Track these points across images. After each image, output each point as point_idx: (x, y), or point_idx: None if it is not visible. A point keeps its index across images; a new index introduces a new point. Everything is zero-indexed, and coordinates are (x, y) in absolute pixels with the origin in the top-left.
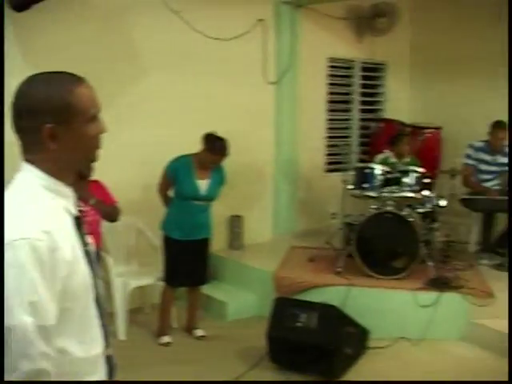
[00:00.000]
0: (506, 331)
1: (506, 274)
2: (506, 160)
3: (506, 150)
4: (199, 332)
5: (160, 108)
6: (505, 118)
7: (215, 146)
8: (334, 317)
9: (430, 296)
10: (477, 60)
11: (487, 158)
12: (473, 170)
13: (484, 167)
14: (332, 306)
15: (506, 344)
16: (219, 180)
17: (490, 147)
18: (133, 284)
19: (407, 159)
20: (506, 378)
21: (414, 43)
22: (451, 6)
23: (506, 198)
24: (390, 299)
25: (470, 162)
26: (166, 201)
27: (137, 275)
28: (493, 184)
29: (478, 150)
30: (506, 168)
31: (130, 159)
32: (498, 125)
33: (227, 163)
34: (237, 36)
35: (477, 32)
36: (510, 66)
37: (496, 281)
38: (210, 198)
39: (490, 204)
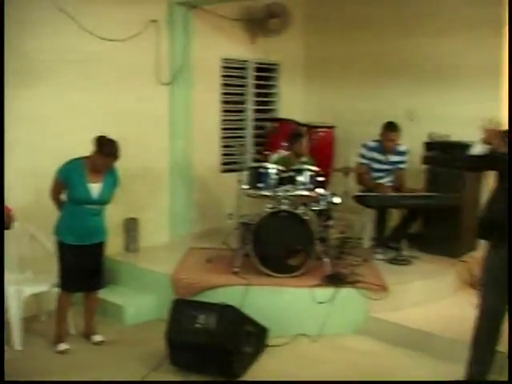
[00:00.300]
0: (401, 323)
1: (398, 268)
2: (398, 158)
3: (400, 148)
4: (98, 337)
5: (51, 112)
6: (395, 116)
7: (106, 148)
8: (232, 317)
9: (326, 292)
10: (368, 60)
11: (380, 157)
12: (366, 169)
13: (377, 166)
14: (230, 306)
15: (401, 334)
16: (112, 183)
17: (382, 147)
18: (27, 291)
19: (304, 159)
20: (402, 368)
21: (308, 43)
22: (344, 6)
23: (398, 194)
24: (288, 297)
25: (364, 161)
26: (59, 205)
27: (31, 282)
28: (385, 181)
29: (370, 149)
30: (399, 165)
31: (20, 164)
32: (388, 126)
33: (122, 166)
34: (129, 37)
35: (369, 32)
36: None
37: (390, 274)
38: (102, 201)
39: (382, 200)
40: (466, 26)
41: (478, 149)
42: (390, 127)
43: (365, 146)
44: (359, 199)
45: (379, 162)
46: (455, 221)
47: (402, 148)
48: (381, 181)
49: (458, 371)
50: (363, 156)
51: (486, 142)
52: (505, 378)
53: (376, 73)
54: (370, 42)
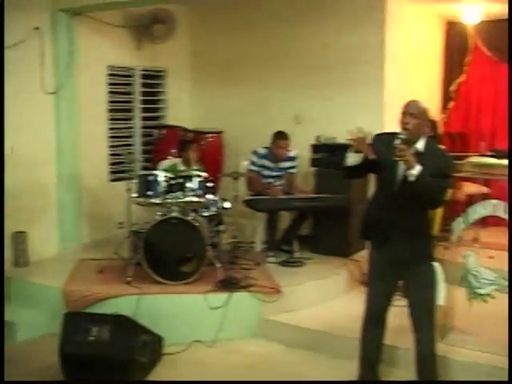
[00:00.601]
0: (296, 324)
1: (291, 270)
2: (288, 164)
3: (290, 154)
4: None
5: None
6: (283, 120)
7: None
8: (126, 327)
9: (220, 297)
10: (255, 64)
11: (270, 164)
12: (256, 175)
13: (267, 173)
14: (124, 317)
15: (297, 335)
16: None
17: (273, 155)
18: None
19: (194, 165)
20: (298, 368)
21: (194, 49)
22: (229, 11)
23: (287, 196)
24: (182, 304)
25: (254, 168)
26: None
27: None
28: (276, 185)
29: (261, 157)
30: (289, 170)
31: None
32: (278, 135)
33: (8, 178)
34: (13, 44)
35: (256, 36)
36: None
37: (283, 277)
38: None
39: (272, 203)
40: (352, 28)
41: (351, 159)
42: (280, 136)
43: (255, 153)
44: (249, 203)
45: (270, 169)
46: (344, 221)
47: (291, 154)
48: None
49: (354, 368)
50: (253, 163)
51: (357, 151)
52: (398, 368)
53: (264, 77)
54: (256, 47)
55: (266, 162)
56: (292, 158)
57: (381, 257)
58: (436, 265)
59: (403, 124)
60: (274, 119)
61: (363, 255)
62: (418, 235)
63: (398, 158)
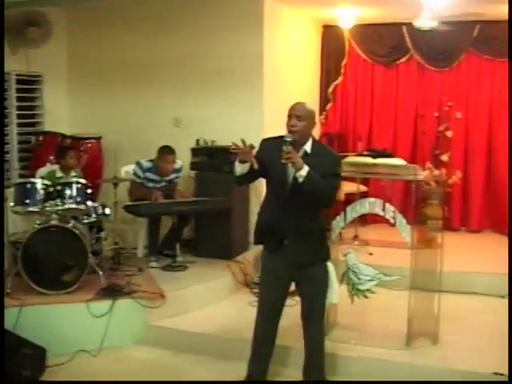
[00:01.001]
0: (182, 328)
1: (174, 274)
2: (174, 175)
3: (175, 166)
4: None
5: None
6: (163, 123)
7: None
8: (6, 341)
9: (103, 305)
10: (133, 67)
11: (155, 177)
12: (140, 186)
13: (151, 184)
14: (4, 330)
15: (183, 340)
16: None
17: (158, 169)
18: None
19: (73, 172)
20: (185, 372)
21: (71, 53)
22: (109, 12)
23: (168, 201)
24: (65, 314)
25: (138, 180)
26: None
27: None
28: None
29: (145, 170)
30: (174, 180)
31: None
32: (164, 151)
33: None
34: None
35: (133, 38)
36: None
37: (166, 282)
38: None
39: (152, 208)
40: (230, 32)
41: (239, 168)
42: (167, 151)
43: (139, 166)
44: (130, 209)
45: (155, 181)
46: (225, 223)
47: (177, 166)
48: None
49: (241, 369)
50: (137, 175)
51: (241, 161)
52: (289, 368)
53: (142, 79)
54: (137, 50)
55: (151, 176)
56: (177, 170)
57: (276, 260)
58: (330, 264)
59: (289, 127)
60: (154, 123)
61: (246, 257)
62: (313, 236)
63: (285, 161)
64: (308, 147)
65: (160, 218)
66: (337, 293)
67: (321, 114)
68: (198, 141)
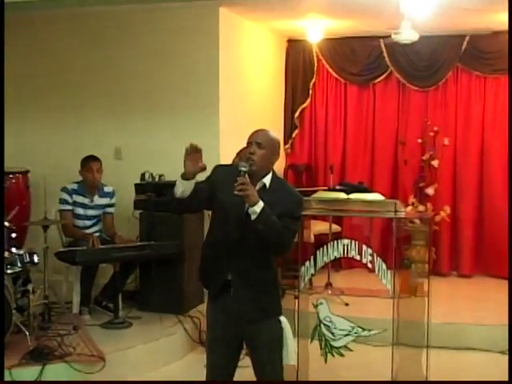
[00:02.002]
0: None
1: (116, 332)
2: (105, 201)
3: (106, 189)
4: None
5: None
6: (102, 155)
7: None
8: None
9: (31, 372)
10: (68, 92)
11: (84, 200)
12: (70, 216)
13: (82, 211)
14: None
15: None
16: None
17: (85, 187)
18: None
19: None
20: None
21: None
22: (35, 32)
23: (108, 246)
24: None
25: (67, 207)
26: None
27: None
28: (93, 231)
29: (72, 192)
30: (106, 209)
31: None
32: (87, 159)
33: None
34: None
35: (69, 62)
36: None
37: (107, 341)
38: None
39: (89, 255)
40: (181, 49)
41: (181, 188)
42: (89, 159)
43: (65, 191)
44: (62, 256)
45: (84, 206)
46: (176, 271)
47: (108, 189)
48: (89, 230)
49: None
50: (65, 202)
51: (185, 177)
52: None
53: (77, 107)
54: (69, 73)
55: (80, 198)
56: (108, 194)
57: (220, 313)
58: (283, 320)
59: (248, 154)
60: (89, 153)
61: (201, 310)
62: (263, 286)
63: (238, 193)
64: (267, 181)
65: (97, 266)
66: (294, 353)
67: (286, 143)
68: (143, 175)
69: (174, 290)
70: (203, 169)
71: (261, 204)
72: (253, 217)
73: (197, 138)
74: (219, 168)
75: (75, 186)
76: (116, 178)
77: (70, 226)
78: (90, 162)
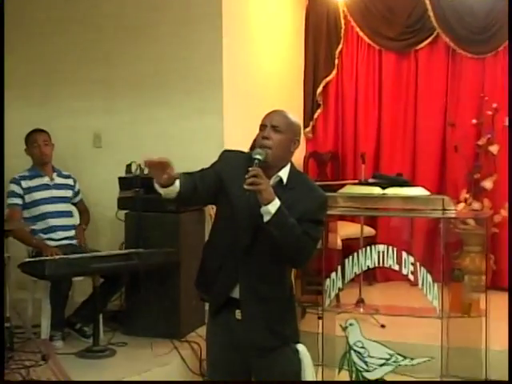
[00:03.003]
0: None
1: (95, 362)
2: (64, 181)
3: (64, 172)
4: None
5: None
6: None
7: None
8: None
9: None
10: (30, 66)
11: (43, 180)
12: (19, 213)
13: (45, 194)
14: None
15: None
16: None
17: (38, 168)
18: None
19: None
20: None
21: None
22: None
23: (87, 255)
24: None
25: (15, 201)
26: None
27: None
28: (65, 236)
29: (21, 179)
30: (75, 199)
31: None
32: (31, 133)
33: None
34: None
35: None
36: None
37: (84, 373)
38: None
39: (62, 266)
40: (177, 12)
41: (161, 192)
42: (33, 132)
43: (13, 181)
44: (29, 267)
45: (45, 187)
46: (172, 286)
47: (66, 173)
48: (60, 234)
49: None
50: (13, 194)
51: (162, 184)
52: None
53: (43, 77)
54: (29, 46)
55: (37, 181)
56: (69, 177)
57: (223, 334)
58: (301, 348)
59: (262, 140)
60: (64, 141)
61: (201, 334)
62: (277, 305)
63: (249, 187)
64: (284, 175)
65: (71, 280)
66: None
67: (307, 126)
68: (128, 167)
69: (167, 309)
70: (175, 178)
71: (276, 203)
72: (266, 218)
73: (196, 117)
74: (227, 154)
75: (25, 173)
76: (95, 171)
77: (18, 223)
78: (34, 135)
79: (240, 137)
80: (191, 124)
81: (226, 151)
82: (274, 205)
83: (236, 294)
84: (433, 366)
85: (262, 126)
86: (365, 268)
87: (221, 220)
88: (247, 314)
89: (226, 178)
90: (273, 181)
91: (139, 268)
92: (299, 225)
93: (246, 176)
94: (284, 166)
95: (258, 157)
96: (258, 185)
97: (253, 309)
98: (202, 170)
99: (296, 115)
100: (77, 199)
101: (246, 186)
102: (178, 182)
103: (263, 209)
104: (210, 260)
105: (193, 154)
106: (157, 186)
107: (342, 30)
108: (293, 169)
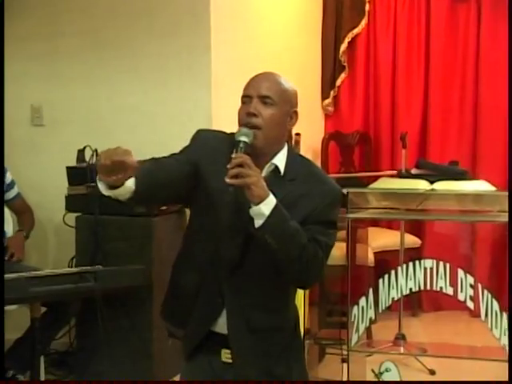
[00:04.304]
0: None
1: None
2: None
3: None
4: None
5: None
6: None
7: None
8: None
9: None
10: None
11: None
12: None
13: None
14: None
15: None
16: None
17: None
18: None
19: None
20: None
21: None
22: None
23: (22, 275)
24: None
25: None
26: None
27: None
28: None
29: None
30: (9, 194)
31: None
32: None
33: None
34: None
35: None
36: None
37: None
38: None
39: None
40: None
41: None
42: None
43: None
44: None
45: None
46: (142, 317)
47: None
48: None
49: None
50: None
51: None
52: None
53: None
54: None
55: None
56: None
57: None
58: None
59: (246, 117)
60: None
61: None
62: (276, 343)
63: (231, 181)
64: (280, 162)
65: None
66: None
67: (326, 97)
68: (81, 152)
69: (135, 349)
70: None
71: (271, 200)
72: (257, 222)
73: (176, 86)
74: (203, 134)
75: None
76: (34, 158)
77: None
78: None
79: (232, 110)
80: (169, 95)
81: (201, 131)
82: (269, 203)
83: (221, 327)
84: None
85: (246, 98)
86: (406, 292)
87: (197, 226)
88: (239, 354)
89: (202, 167)
90: (266, 171)
91: (95, 292)
92: (305, 229)
93: (229, 166)
94: (279, 150)
95: (243, 139)
96: (244, 177)
97: (245, 347)
98: (172, 156)
99: (309, 79)
100: (11, 195)
101: (228, 180)
102: (132, 181)
103: (254, 210)
104: (184, 281)
105: (170, 136)
106: (101, 186)
107: None
108: (291, 153)
